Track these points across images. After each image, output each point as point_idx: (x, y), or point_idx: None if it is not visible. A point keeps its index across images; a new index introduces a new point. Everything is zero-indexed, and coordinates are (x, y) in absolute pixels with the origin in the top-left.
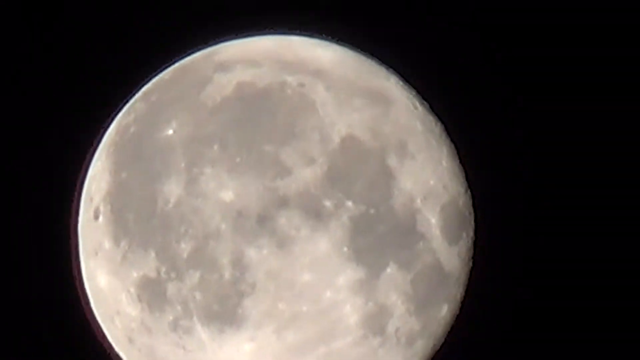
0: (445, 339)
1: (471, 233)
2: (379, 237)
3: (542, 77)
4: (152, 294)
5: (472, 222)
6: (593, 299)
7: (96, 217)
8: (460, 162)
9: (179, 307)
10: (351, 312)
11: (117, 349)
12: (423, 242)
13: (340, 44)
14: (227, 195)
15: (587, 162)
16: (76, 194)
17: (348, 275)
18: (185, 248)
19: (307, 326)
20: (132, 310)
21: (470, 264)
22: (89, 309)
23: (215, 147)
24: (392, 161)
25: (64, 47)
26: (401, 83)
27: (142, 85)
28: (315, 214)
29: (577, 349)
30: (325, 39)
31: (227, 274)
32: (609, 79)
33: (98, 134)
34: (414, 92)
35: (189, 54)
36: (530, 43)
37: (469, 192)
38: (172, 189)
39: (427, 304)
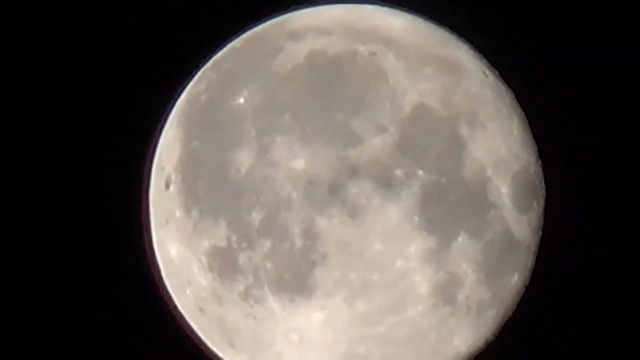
0: (516, 308)
1: (542, 202)
2: (449, 206)
3: (619, 49)
4: (223, 263)
5: (543, 191)
6: None
7: (167, 187)
8: (531, 131)
9: (250, 277)
10: (422, 281)
11: (188, 318)
12: (494, 211)
13: (410, 13)
14: (299, 164)
15: None
16: (148, 163)
17: (419, 244)
18: (256, 217)
19: (378, 295)
20: (203, 280)
21: (541, 233)
22: (160, 278)
23: (287, 115)
24: (463, 130)
25: (135, 16)
26: (472, 52)
27: (214, 54)
28: (386, 183)
29: None
30: (396, 7)
31: (298, 243)
32: None
33: (169, 103)
34: (484, 61)
35: (260, 23)
36: (609, 13)
37: (539, 161)
38: (243, 158)
39: (498, 273)
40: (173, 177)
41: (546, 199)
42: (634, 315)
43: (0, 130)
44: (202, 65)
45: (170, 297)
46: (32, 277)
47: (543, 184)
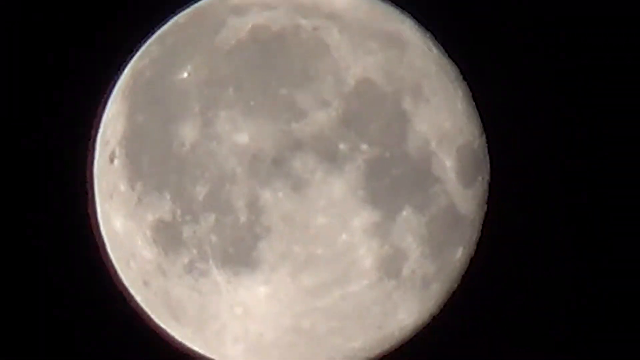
0: (461, 282)
1: (486, 176)
2: (393, 180)
3: (563, 21)
4: (167, 236)
5: (487, 166)
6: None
7: (111, 161)
8: (476, 105)
9: (194, 250)
10: (366, 255)
11: (132, 291)
12: (438, 185)
13: None
14: (242, 138)
15: (603, 103)
16: (92, 137)
17: (363, 218)
18: (200, 191)
19: (322, 269)
20: (147, 253)
21: (485, 207)
22: (105, 252)
23: (230, 90)
24: (407, 104)
25: None
26: (416, 26)
27: (157, 29)
28: (330, 157)
29: (591, 297)
30: None
31: (242, 217)
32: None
33: (113, 77)
34: (429, 35)
35: None
36: None
37: (484, 135)
38: (187, 132)
39: (443, 247)
40: (117, 151)
41: (491, 173)
42: (576, 288)
43: None
44: (146, 40)
45: (114, 270)
46: None
47: (487, 158)
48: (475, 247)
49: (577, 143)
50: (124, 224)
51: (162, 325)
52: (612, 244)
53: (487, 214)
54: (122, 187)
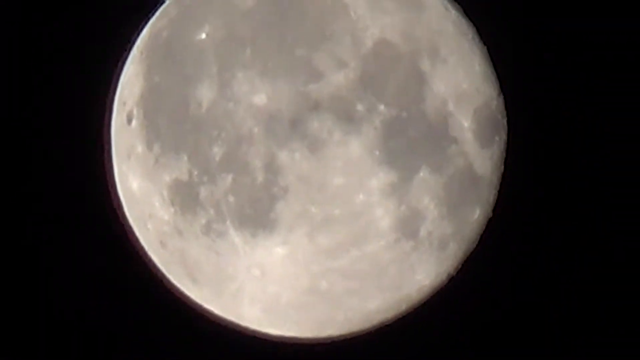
0: (478, 243)
1: (504, 136)
2: (411, 141)
3: None
4: (184, 197)
5: (505, 126)
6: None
7: (129, 121)
8: (493, 65)
9: (211, 211)
10: (383, 215)
11: (149, 252)
12: (455, 145)
13: None
14: (260, 98)
15: (622, 67)
16: (109, 98)
17: (380, 178)
18: (217, 152)
19: (340, 229)
20: (164, 213)
21: (502, 167)
22: (122, 212)
23: (248, 51)
24: (424, 65)
25: None
26: None
27: None
28: (347, 118)
29: (603, 263)
30: None
31: (259, 178)
32: None
33: (131, 38)
34: None
35: None
36: None
37: (501, 95)
38: (205, 93)
39: (460, 208)
40: (135, 112)
41: (508, 134)
42: (590, 250)
43: None
44: (164, 1)
45: (132, 231)
46: None
47: (505, 119)
48: (492, 208)
49: (595, 105)
50: (141, 185)
51: (179, 286)
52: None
53: (504, 174)
54: (140, 147)
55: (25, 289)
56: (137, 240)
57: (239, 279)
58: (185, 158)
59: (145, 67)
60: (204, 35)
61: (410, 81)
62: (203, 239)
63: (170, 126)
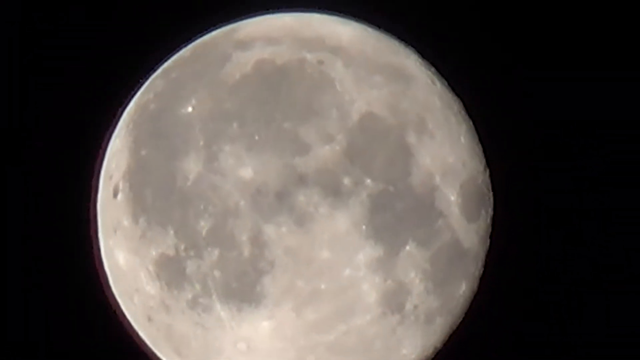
0: (464, 317)
1: (490, 211)
2: (397, 215)
3: (563, 54)
4: (171, 272)
5: (491, 200)
6: (615, 282)
7: (115, 195)
8: (479, 139)
9: (197, 285)
10: (370, 290)
11: (135, 327)
12: (442, 219)
13: (358, 21)
14: (246, 172)
15: (609, 139)
16: (95, 171)
17: (367, 253)
18: (204, 225)
19: (326, 304)
20: (150, 288)
21: (489, 241)
22: (108, 287)
23: (234, 124)
24: (411, 138)
25: (84, 24)
26: (420, 60)
27: (162, 63)
28: (334, 192)
29: (594, 329)
30: (344, 16)
31: (245, 252)
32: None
33: (117, 111)
34: (432, 69)
35: (208, 32)
36: (549, 21)
37: (487, 169)
38: (191, 166)
39: (446, 282)
40: (121, 185)
41: (494, 208)
42: (582, 321)
43: None
44: (151, 74)
45: (118, 305)
46: None
47: (491, 193)
48: (478, 282)
49: (581, 179)
50: (127, 259)
51: None
52: (615, 278)
53: (490, 248)
54: (126, 221)
55: None
56: (123, 314)
57: (225, 353)
58: (172, 232)
59: (131, 140)
60: (190, 109)
61: (397, 155)
62: (189, 314)
63: (156, 200)
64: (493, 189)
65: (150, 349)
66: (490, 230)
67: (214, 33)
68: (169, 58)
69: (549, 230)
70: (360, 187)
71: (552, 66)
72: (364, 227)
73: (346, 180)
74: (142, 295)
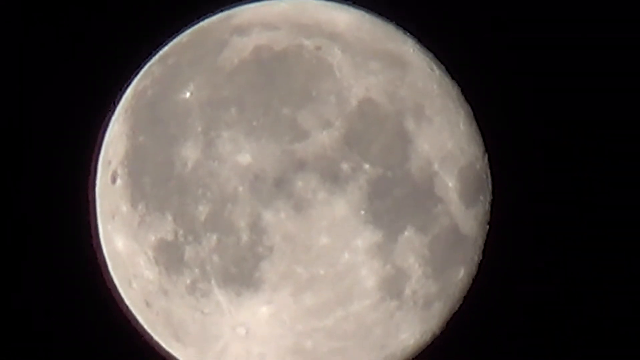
0: (462, 302)
1: (488, 196)
2: (396, 200)
3: (563, 43)
4: (169, 257)
5: (489, 186)
6: (611, 269)
7: (113, 181)
8: (478, 125)
9: (196, 270)
10: (368, 275)
11: (134, 312)
12: (440, 205)
13: (356, 7)
14: (244, 158)
15: (606, 125)
16: (94, 158)
17: (365, 238)
18: (202, 211)
19: (324, 289)
20: (149, 273)
21: (487, 227)
22: (107, 272)
23: (233, 110)
24: (409, 124)
25: (81, 10)
26: (418, 46)
27: (159, 49)
28: (333, 177)
29: (590, 311)
30: (342, 2)
31: (244, 237)
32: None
33: (115, 97)
34: (430, 55)
35: (206, 18)
36: (548, 7)
37: (486, 155)
38: (189, 152)
39: (444, 267)
40: (119, 171)
41: (492, 193)
42: (580, 305)
43: None
44: (148, 60)
45: (116, 291)
46: None
47: (489, 179)
48: (477, 267)
49: (580, 164)
50: (125, 245)
51: (164, 346)
52: (615, 265)
53: (488, 234)
54: (124, 207)
55: (8, 350)
56: (122, 299)
57: (224, 338)
58: (170, 218)
59: (129, 127)
60: (188, 95)
61: (396, 140)
62: (188, 299)
63: (155, 185)
64: (491, 175)
65: (148, 333)
66: (488, 215)
67: (211, 19)
68: (166, 44)
69: (548, 215)
70: (359, 172)
71: (552, 52)
72: (362, 212)
73: (344, 166)
74: (141, 280)
